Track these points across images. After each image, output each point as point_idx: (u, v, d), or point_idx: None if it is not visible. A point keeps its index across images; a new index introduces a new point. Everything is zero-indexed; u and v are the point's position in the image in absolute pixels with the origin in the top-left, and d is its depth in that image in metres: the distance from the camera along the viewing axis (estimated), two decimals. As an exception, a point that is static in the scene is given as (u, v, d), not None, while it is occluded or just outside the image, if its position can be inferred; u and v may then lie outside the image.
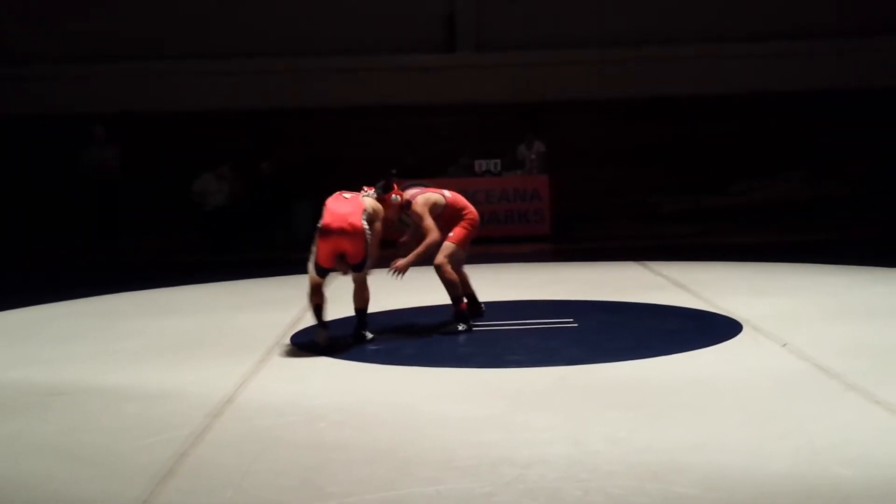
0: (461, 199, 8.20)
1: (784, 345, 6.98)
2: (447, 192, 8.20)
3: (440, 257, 7.88)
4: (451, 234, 7.99)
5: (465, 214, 8.10)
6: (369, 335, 7.65)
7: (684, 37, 19.37)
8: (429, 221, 7.85)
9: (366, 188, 7.82)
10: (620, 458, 4.58)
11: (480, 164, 16.64)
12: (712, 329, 7.76)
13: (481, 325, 8.17)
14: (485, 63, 19.52)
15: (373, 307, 7.84)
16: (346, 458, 4.74)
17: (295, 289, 9.12)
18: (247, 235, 16.33)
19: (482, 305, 8.47)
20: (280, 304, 9.39)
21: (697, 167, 18.62)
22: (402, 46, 19.49)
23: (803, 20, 19.23)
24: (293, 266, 9.26)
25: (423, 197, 7.98)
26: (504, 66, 19.34)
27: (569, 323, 8.22)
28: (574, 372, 6.42)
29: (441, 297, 8.28)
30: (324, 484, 4.39)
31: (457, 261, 8.20)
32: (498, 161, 16.66)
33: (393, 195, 7.85)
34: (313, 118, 19.07)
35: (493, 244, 14.90)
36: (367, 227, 7.34)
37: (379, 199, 7.74)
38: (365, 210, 7.43)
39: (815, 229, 15.66)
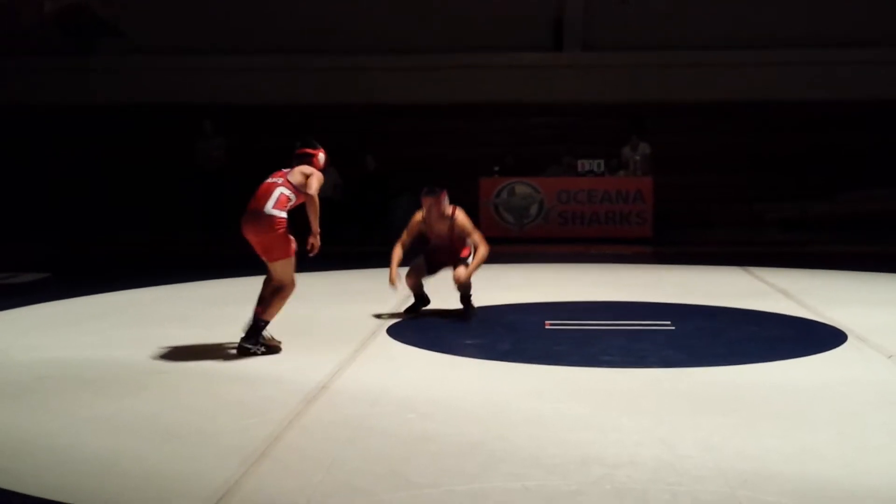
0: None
1: (890, 356, 6.79)
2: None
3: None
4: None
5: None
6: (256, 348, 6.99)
7: (795, 42, 18.97)
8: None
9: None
10: (711, 464, 4.50)
11: (583, 164, 16.52)
12: (815, 338, 7.60)
13: (578, 325, 8.13)
14: (591, 63, 19.40)
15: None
16: (433, 449, 4.77)
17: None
18: (344, 228, 16.42)
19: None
20: (376, 295, 9.43)
21: (805, 174, 18.22)
22: (509, 46, 19.50)
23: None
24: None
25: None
26: (610, 67, 19.21)
27: (666, 326, 8.12)
28: (668, 375, 6.35)
29: (537, 295, 8.24)
30: (410, 474, 4.42)
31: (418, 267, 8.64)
32: (601, 161, 16.53)
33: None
34: (419, 114, 19.19)
35: (593, 244, 14.83)
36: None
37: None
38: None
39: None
